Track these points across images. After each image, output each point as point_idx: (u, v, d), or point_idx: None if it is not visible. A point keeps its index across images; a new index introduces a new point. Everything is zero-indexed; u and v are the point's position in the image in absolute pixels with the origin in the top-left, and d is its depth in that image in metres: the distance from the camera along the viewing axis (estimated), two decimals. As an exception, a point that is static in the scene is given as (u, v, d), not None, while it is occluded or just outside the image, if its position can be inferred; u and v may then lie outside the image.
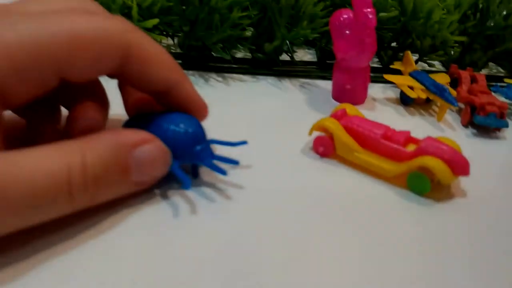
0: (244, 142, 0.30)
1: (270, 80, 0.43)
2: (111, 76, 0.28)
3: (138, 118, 0.29)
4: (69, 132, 0.26)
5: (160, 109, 0.29)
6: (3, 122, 0.23)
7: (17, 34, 0.22)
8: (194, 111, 0.28)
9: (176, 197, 0.27)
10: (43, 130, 0.27)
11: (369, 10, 0.35)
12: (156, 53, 0.26)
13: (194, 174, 0.29)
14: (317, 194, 0.29)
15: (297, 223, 0.26)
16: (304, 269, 0.23)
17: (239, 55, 0.47)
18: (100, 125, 0.27)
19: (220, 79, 0.43)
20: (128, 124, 0.29)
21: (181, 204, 0.27)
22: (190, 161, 0.28)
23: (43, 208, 0.22)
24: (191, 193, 0.28)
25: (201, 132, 0.28)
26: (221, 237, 0.25)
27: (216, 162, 0.28)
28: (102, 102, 0.28)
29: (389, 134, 0.31)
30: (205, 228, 0.25)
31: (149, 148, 0.25)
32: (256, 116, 0.37)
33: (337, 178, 0.30)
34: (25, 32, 0.22)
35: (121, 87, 0.30)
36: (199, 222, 0.26)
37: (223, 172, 0.27)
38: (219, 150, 0.30)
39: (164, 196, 0.27)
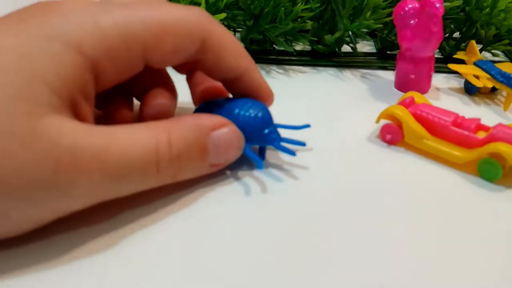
0: (307, 126, 0.31)
1: (331, 71, 0.44)
2: (183, 68, 0.30)
3: (207, 105, 0.30)
4: (142, 118, 0.28)
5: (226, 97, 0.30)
6: (93, 103, 0.25)
7: (112, 19, 0.24)
8: (261, 97, 0.30)
9: (247, 178, 0.29)
10: (119, 118, 0.29)
11: (436, -1, 0.35)
12: (229, 42, 0.27)
13: (262, 156, 0.30)
14: (386, 181, 0.29)
15: (365, 210, 0.27)
16: (375, 255, 0.24)
17: (298, 47, 0.48)
18: (170, 110, 0.29)
19: (281, 71, 0.44)
20: (199, 110, 0.30)
21: (252, 184, 0.28)
22: (260, 143, 0.29)
23: (135, 177, 0.23)
24: (260, 174, 0.29)
25: (269, 116, 0.29)
26: (290, 218, 0.26)
27: (284, 144, 0.29)
28: (171, 90, 0.30)
29: (459, 121, 0.31)
30: (275, 208, 0.27)
31: (225, 132, 0.27)
32: (318, 106, 0.38)
33: (405, 165, 0.31)
34: (118, 17, 0.24)
35: (189, 79, 0.32)
36: (269, 201, 0.27)
37: (292, 153, 0.28)
38: (284, 134, 0.31)
39: (236, 177, 0.29)
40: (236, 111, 0.28)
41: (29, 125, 0.20)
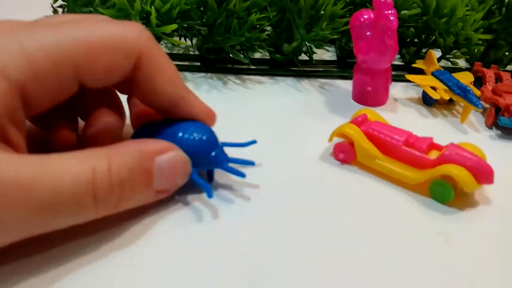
0: (253, 142, 0.30)
1: (289, 81, 0.43)
2: (122, 89, 0.28)
3: (147, 129, 0.29)
4: (85, 137, 0.27)
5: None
6: (25, 129, 0.24)
7: (38, 42, 0.22)
8: (203, 121, 0.28)
9: (197, 203, 0.28)
10: (60, 139, 0.27)
11: (390, 12, 0.34)
12: (164, 66, 0.26)
13: (210, 178, 0.29)
14: (337, 201, 0.29)
15: (316, 229, 0.26)
16: (322, 272, 0.23)
17: (257, 55, 0.46)
18: (114, 129, 0.27)
19: (238, 81, 0.43)
20: (138, 135, 0.29)
21: (202, 209, 0.27)
22: (208, 166, 0.28)
23: (68, 210, 0.22)
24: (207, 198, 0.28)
25: (214, 137, 0.28)
26: (243, 241, 0.25)
27: (232, 165, 0.28)
28: (118, 109, 0.28)
29: (411, 140, 0.30)
30: (227, 233, 0.26)
31: (171, 156, 0.26)
32: (275, 119, 0.37)
33: (357, 185, 0.30)
34: (45, 39, 0.23)
35: (128, 100, 0.31)
36: (221, 227, 0.26)
37: (242, 175, 0.27)
38: (233, 152, 0.30)
39: (185, 202, 0.28)
40: (180, 134, 0.27)
41: None
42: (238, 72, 0.44)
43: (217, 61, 0.44)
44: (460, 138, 0.36)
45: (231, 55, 0.42)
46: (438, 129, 0.37)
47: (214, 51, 0.43)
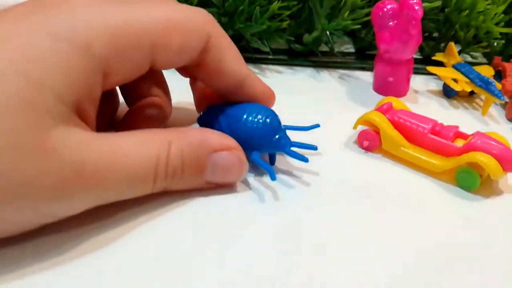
0: (317, 126, 0.30)
1: (308, 71, 0.43)
2: (186, 72, 0.29)
3: (212, 112, 0.29)
4: (132, 123, 0.28)
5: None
6: (98, 104, 0.24)
7: (122, 17, 0.23)
8: (264, 102, 0.29)
9: (255, 183, 0.28)
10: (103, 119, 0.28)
11: (415, 1, 0.34)
12: (231, 46, 0.27)
13: (272, 161, 0.29)
14: (363, 189, 0.29)
15: (345, 216, 0.26)
16: (348, 260, 0.23)
17: (276, 45, 0.46)
18: (160, 118, 0.29)
19: (257, 70, 0.43)
20: (203, 117, 0.30)
21: (262, 190, 0.28)
22: (270, 150, 0.28)
23: (133, 188, 0.23)
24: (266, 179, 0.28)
25: (277, 121, 0.28)
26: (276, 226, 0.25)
27: (294, 149, 0.28)
28: (166, 99, 0.30)
29: (437, 128, 0.30)
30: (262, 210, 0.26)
31: (227, 155, 0.26)
32: (295, 108, 0.37)
33: (382, 172, 0.30)
34: (128, 15, 0.23)
35: (192, 83, 0.31)
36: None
37: (305, 159, 0.27)
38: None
39: (245, 183, 0.28)
40: (244, 117, 0.27)
41: (37, 139, 0.20)
42: (257, 61, 0.43)
43: (236, 50, 0.44)
44: (481, 129, 0.35)
45: (250, 44, 0.42)
46: (459, 121, 0.36)
47: (233, 40, 0.43)
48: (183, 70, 0.30)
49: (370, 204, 0.27)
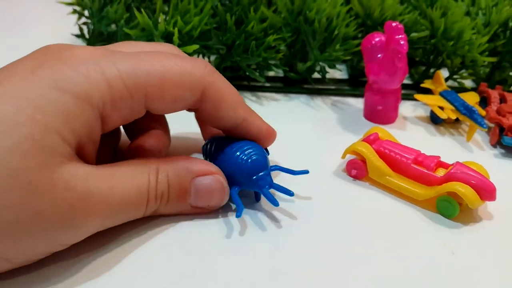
0: (306, 172, 0.32)
1: (303, 98, 0.45)
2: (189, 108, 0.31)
3: (214, 142, 0.32)
4: (130, 155, 0.30)
5: None
6: (98, 144, 0.27)
7: (117, 71, 0.25)
8: (261, 141, 0.31)
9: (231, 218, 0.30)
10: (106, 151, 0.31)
11: (401, 36, 0.36)
12: (228, 93, 0.29)
13: (256, 198, 0.31)
14: (350, 215, 0.31)
15: (328, 241, 0.28)
16: (332, 280, 0.25)
17: (272, 73, 0.49)
18: (159, 151, 0.31)
19: (254, 98, 0.45)
20: (205, 146, 0.32)
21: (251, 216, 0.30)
22: (250, 188, 0.30)
23: (128, 214, 0.27)
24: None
25: (262, 161, 0.30)
26: (264, 254, 0.27)
27: (273, 191, 0.30)
28: (164, 132, 0.32)
29: (420, 159, 0.32)
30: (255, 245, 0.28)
31: (208, 179, 0.28)
32: (289, 135, 0.39)
33: (369, 200, 0.32)
34: (123, 69, 0.26)
35: (197, 117, 0.34)
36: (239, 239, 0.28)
37: (275, 203, 0.29)
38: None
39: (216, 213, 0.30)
40: (233, 152, 0.30)
41: (46, 176, 0.23)
42: (254, 89, 0.46)
43: (233, 78, 0.46)
44: (465, 155, 0.38)
45: (247, 73, 0.44)
46: (445, 147, 0.39)
47: (231, 69, 0.46)
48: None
49: (357, 230, 0.29)
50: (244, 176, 0.29)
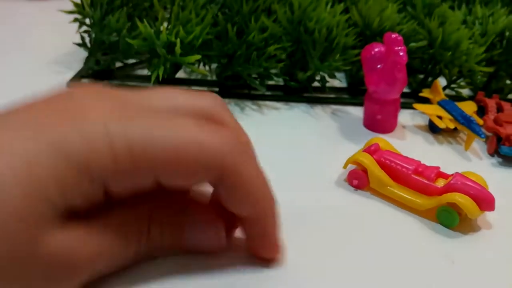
0: None
1: (303, 107, 0.46)
2: None
3: None
4: None
5: None
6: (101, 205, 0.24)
7: (126, 141, 0.23)
8: (262, 249, 0.27)
9: None
10: None
11: (400, 48, 0.37)
12: (247, 181, 0.25)
13: None
14: (351, 225, 0.31)
15: (329, 249, 0.29)
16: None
17: (272, 81, 0.49)
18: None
19: (254, 107, 0.45)
20: None
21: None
22: None
23: (116, 263, 0.25)
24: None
25: None
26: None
27: None
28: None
29: (420, 169, 0.33)
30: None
31: (205, 225, 0.27)
32: (290, 144, 0.40)
33: (370, 210, 0.33)
34: (134, 138, 0.23)
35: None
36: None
37: None
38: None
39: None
40: None
41: (31, 249, 0.21)
42: (254, 97, 0.46)
43: (234, 87, 0.47)
44: (463, 164, 0.38)
45: (248, 82, 0.45)
46: (443, 156, 0.39)
47: (232, 78, 0.46)
48: None
49: (358, 239, 0.30)
50: None
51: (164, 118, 0.24)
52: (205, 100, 0.27)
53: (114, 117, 0.23)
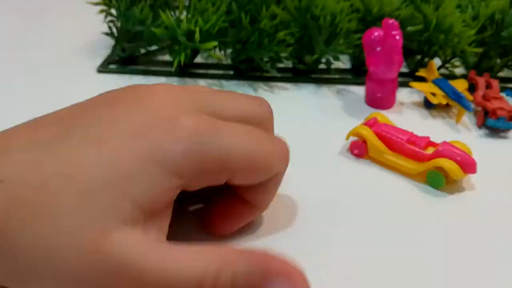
0: None
1: (310, 87, 0.50)
2: None
3: None
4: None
5: None
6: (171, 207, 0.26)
7: (217, 152, 0.25)
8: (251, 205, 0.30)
9: None
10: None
11: (396, 32, 0.42)
12: (280, 181, 0.30)
13: None
14: (352, 189, 0.36)
15: (334, 211, 0.34)
16: (331, 263, 0.31)
17: (282, 65, 0.54)
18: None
19: (266, 87, 0.50)
20: None
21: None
22: None
23: None
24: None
25: None
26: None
27: None
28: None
29: (412, 139, 0.38)
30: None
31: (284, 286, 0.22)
32: (299, 120, 0.44)
33: (370, 175, 0.38)
34: (223, 149, 0.25)
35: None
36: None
37: None
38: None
39: None
40: None
41: (95, 244, 0.21)
42: (266, 79, 0.51)
43: (248, 69, 0.51)
44: (454, 136, 0.43)
45: (261, 65, 0.49)
46: (437, 129, 0.44)
47: (246, 62, 0.51)
48: None
49: (358, 200, 0.35)
50: None
51: (249, 132, 0.28)
52: (258, 107, 0.30)
53: (207, 133, 0.25)
